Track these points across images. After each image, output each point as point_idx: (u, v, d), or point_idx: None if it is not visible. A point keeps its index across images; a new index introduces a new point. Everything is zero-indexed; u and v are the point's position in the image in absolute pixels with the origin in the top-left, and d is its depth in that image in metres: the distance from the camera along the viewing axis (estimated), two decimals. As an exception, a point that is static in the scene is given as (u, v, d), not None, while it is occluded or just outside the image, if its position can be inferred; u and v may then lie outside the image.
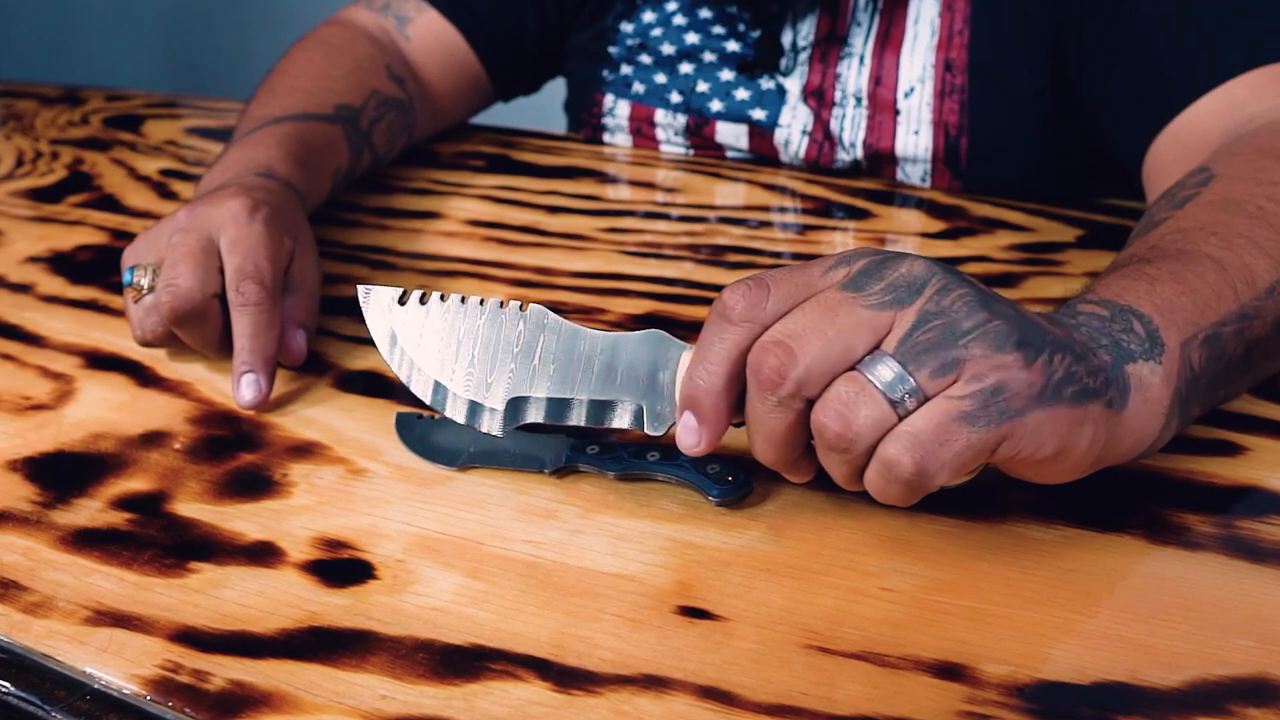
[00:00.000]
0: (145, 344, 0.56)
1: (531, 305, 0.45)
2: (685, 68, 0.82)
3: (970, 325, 0.37)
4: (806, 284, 0.39)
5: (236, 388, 0.52)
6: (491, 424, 0.45)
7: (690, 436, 0.41)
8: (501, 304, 0.46)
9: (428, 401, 0.46)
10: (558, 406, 0.44)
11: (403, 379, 0.47)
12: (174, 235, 0.54)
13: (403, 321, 0.47)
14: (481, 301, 0.46)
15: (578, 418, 0.44)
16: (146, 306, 0.54)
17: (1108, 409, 0.39)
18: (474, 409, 0.45)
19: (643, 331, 0.44)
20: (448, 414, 0.46)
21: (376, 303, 0.48)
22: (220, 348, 0.55)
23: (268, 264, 0.53)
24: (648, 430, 0.43)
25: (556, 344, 0.45)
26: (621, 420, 0.44)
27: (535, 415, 0.45)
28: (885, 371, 0.37)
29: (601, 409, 0.44)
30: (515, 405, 0.45)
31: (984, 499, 0.44)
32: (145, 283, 0.54)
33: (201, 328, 0.53)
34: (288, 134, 0.66)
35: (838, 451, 0.37)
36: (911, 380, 0.36)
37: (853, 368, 0.37)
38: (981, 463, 0.38)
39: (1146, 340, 0.41)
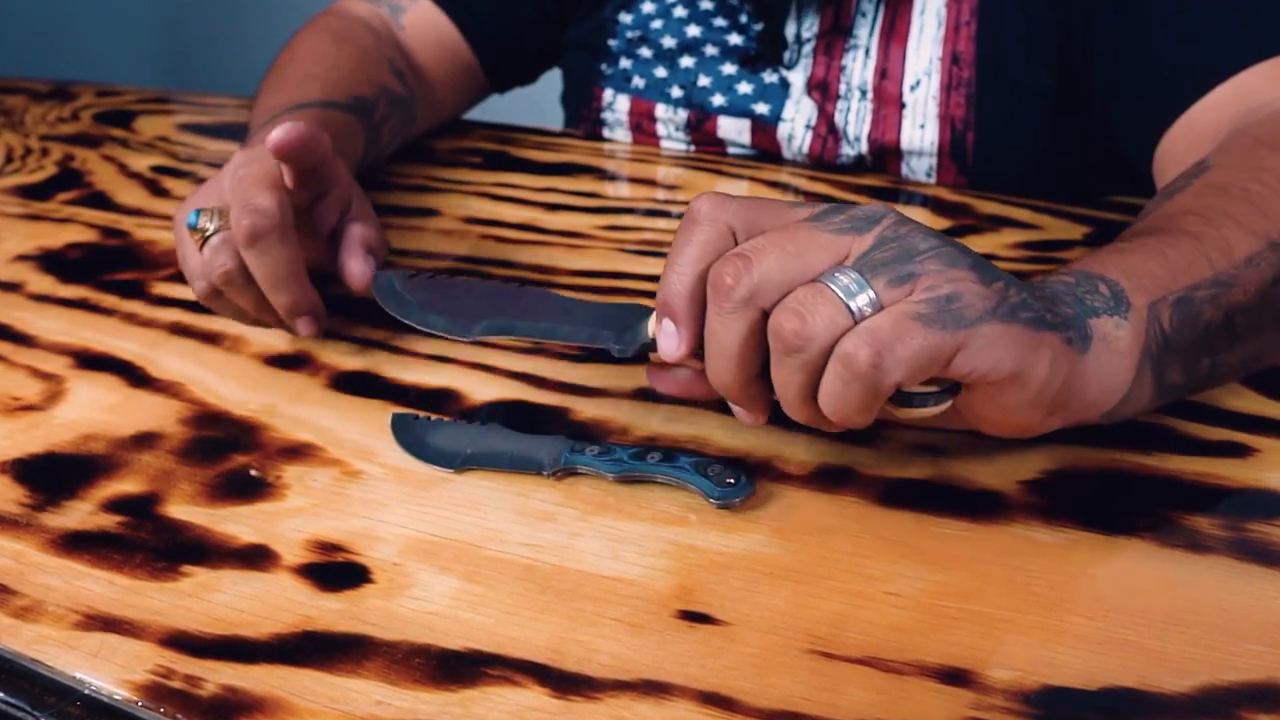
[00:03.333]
0: (209, 295, 0.54)
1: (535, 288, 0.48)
2: (686, 61, 0.81)
3: (925, 246, 0.38)
4: (772, 213, 0.41)
5: (293, 327, 0.54)
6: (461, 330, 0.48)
7: (670, 341, 0.41)
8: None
9: (410, 321, 0.50)
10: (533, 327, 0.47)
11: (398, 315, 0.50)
12: (238, 170, 0.53)
13: (412, 285, 0.51)
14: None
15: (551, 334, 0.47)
16: (216, 245, 0.52)
17: (1067, 345, 0.40)
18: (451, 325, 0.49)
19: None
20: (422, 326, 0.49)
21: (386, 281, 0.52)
22: (290, 283, 0.53)
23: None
24: (616, 347, 0.45)
25: (546, 301, 0.48)
26: (594, 338, 0.45)
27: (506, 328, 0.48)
28: (843, 278, 0.38)
29: (574, 332, 0.46)
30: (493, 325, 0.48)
31: (988, 501, 0.44)
32: (211, 225, 0.52)
33: (279, 252, 0.51)
34: (314, 119, 0.64)
35: (792, 353, 0.38)
36: (869, 288, 0.37)
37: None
38: (937, 370, 0.38)
39: (1111, 299, 0.42)
